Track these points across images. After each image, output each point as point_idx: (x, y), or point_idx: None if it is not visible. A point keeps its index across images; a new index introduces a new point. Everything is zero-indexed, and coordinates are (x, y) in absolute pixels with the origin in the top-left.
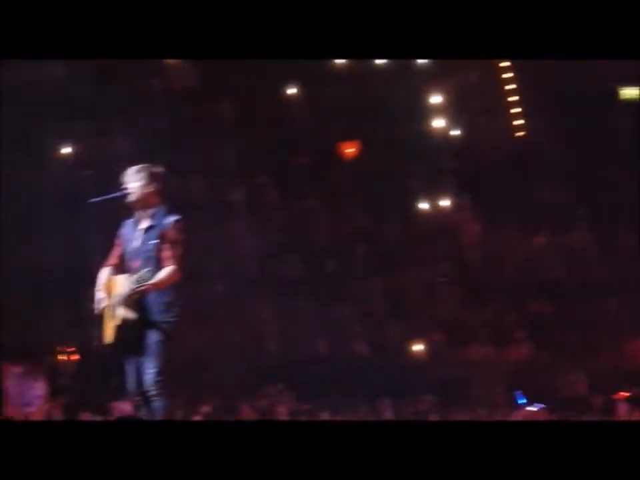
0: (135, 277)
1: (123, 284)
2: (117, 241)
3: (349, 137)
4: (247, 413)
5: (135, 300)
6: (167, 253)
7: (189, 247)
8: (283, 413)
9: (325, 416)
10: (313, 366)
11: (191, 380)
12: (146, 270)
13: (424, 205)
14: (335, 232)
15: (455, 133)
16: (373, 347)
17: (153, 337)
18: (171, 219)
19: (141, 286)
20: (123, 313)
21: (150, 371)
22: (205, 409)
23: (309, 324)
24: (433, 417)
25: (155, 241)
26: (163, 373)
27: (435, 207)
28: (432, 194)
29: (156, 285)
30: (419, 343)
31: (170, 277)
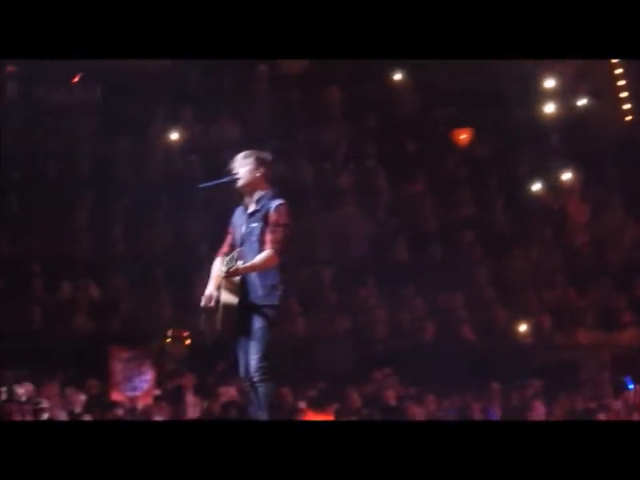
0: (226, 259)
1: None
2: (229, 229)
3: (458, 123)
4: (354, 398)
5: (236, 284)
6: (267, 236)
7: (298, 231)
8: (390, 398)
9: (430, 400)
10: (420, 351)
11: (299, 365)
12: (235, 251)
13: (532, 189)
14: (443, 217)
15: (564, 116)
16: (480, 332)
17: (257, 322)
18: (275, 202)
19: (230, 267)
20: (223, 297)
21: (254, 356)
22: (312, 393)
23: (417, 309)
24: (539, 402)
25: (259, 225)
26: (268, 358)
27: (543, 191)
28: (540, 178)
29: (250, 267)
30: (526, 327)
31: (266, 260)
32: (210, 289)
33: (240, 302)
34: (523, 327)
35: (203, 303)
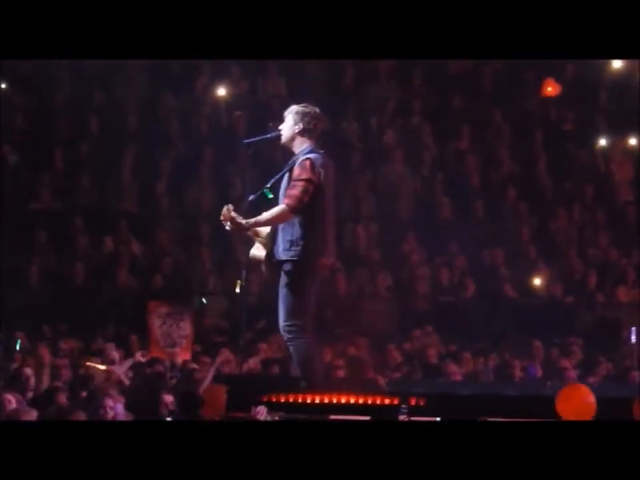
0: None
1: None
2: None
3: (503, 80)
4: (395, 355)
5: (265, 237)
6: (287, 191)
7: (342, 187)
8: (431, 356)
9: (467, 357)
10: (462, 309)
11: (340, 322)
12: (225, 208)
13: (576, 147)
14: (487, 174)
15: (610, 75)
16: (521, 290)
17: (281, 279)
18: (301, 157)
19: (235, 221)
20: (252, 251)
21: (280, 317)
22: (352, 350)
23: (459, 266)
24: (577, 359)
25: (286, 179)
26: (292, 317)
27: (586, 149)
28: (585, 136)
29: (259, 221)
30: (567, 285)
31: (276, 215)
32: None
33: (267, 256)
34: (564, 285)
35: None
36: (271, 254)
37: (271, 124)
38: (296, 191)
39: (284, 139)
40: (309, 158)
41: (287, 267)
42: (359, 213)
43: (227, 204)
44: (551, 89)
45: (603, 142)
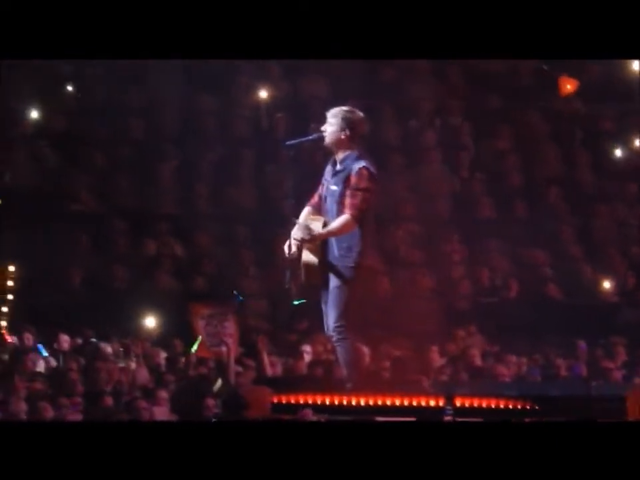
0: (306, 224)
1: (303, 226)
2: (322, 180)
3: (543, 78)
4: (435, 357)
5: (316, 244)
6: (347, 200)
7: (382, 188)
8: (475, 356)
9: (512, 359)
10: (504, 309)
11: (382, 324)
12: (310, 218)
13: (618, 146)
14: (528, 173)
15: None
16: (565, 289)
17: (333, 282)
18: (357, 165)
19: (309, 234)
20: (304, 256)
21: (331, 316)
22: (396, 352)
23: (501, 266)
24: (622, 360)
25: (339, 187)
26: (345, 317)
27: (629, 147)
28: (624, 135)
29: (327, 234)
30: (610, 284)
31: (342, 226)
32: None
33: (320, 262)
34: (607, 285)
35: (286, 252)
36: (324, 260)
37: (312, 125)
38: (357, 200)
39: (328, 141)
40: (365, 167)
41: (342, 271)
42: (399, 213)
43: (302, 221)
44: (569, 86)
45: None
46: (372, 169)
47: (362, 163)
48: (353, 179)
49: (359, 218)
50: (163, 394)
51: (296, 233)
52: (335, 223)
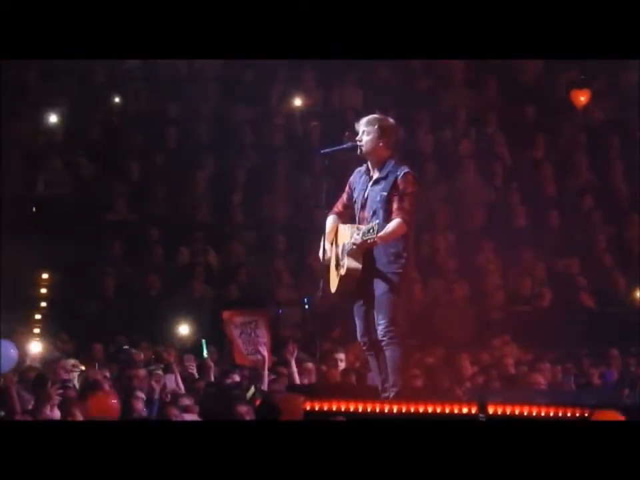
0: (363, 229)
1: (349, 234)
2: (347, 189)
3: (577, 88)
4: (466, 366)
5: (361, 251)
6: (395, 205)
7: (420, 198)
8: (509, 365)
9: (546, 368)
10: (538, 318)
11: (416, 331)
12: (375, 223)
13: None
14: (562, 182)
15: None
16: (598, 298)
17: (381, 288)
18: (402, 170)
19: (367, 239)
20: (348, 263)
21: (381, 321)
22: (430, 360)
23: (535, 275)
24: None
25: (384, 193)
26: (394, 322)
27: None
28: None
29: (382, 238)
30: None
31: (396, 230)
32: (324, 246)
33: (363, 269)
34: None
35: (321, 259)
36: (370, 267)
37: (346, 134)
38: (406, 204)
39: (365, 150)
40: (410, 172)
41: (390, 277)
42: (434, 223)
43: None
44: (583, 98)
45: None
46: (416, 174)
47: (406, 169)
48: (401, 184)
49: (410, 222)
50: (191, 401)
51: (355, 237)
52: (389, 228)
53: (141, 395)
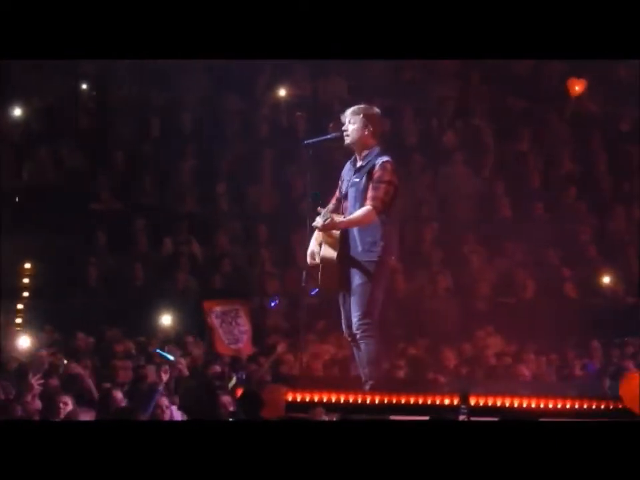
0: (323, 211)
1: (323, 212)
2: (339, 183)
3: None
4: (449, 357)
5: (336, 238)
6: (369, 193)
7: (398, 187)
8: (492, 356)
9: (530, 359)
10: (522, 309)
11: (400, 322)
12: (331, 203)
13: (635, 147)
14: (546, 173)
15: None
16: (582, 289)
17: (357, 278)
18: (381, 159)
19: (325, 220)
20: (323, 251)
21: (355, 313)
22: (412, 351)
23: (519, 266)
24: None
25: (362, 181)
26: (369, 314)
27: None
28: None
29: (346, 223)
30: (627, 285)
31: (364, 216)
32: (312, 246)
33: (339, 256)
34: (624, 285)
35: (308, 260)
36: (346, 255)
37: (331, 125)
38: (380, 192)
39: (350, 140)
40: (389, 161)
41: (366, 266)
42: (419, 213)
43: (322, 207)
44: (578, 87)
45: None
46: (395, 164)
47: (385, 157)
48: (377, 173)
49: (381, 210)
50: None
51: (317, 221)
52: (356, 213)
53: (123, 386)
